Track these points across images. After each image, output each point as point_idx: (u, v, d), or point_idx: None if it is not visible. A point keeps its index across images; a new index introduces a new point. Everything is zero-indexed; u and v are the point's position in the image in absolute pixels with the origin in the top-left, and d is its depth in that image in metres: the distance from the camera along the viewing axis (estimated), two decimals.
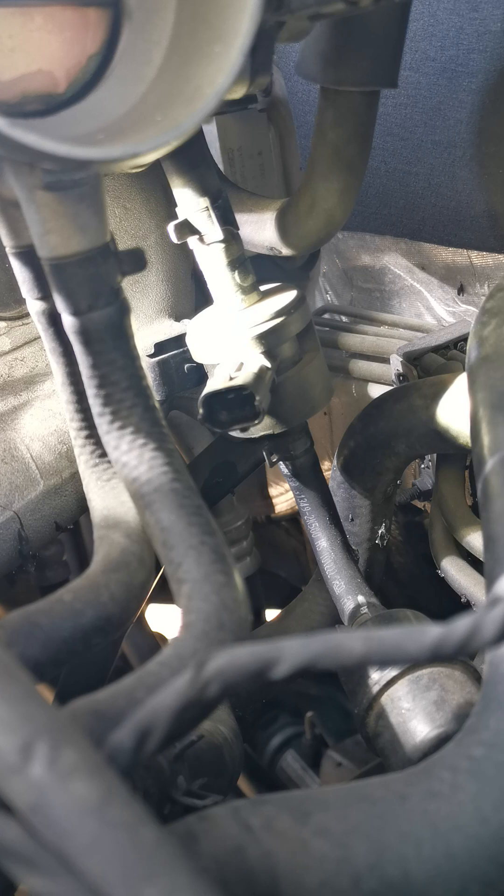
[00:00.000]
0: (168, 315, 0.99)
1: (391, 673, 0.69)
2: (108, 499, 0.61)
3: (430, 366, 0.91)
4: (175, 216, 0.76)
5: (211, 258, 0.77)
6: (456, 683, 0.68)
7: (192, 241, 0.77)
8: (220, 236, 0.75)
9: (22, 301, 0.67)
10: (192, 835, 0.40)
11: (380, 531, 0.91)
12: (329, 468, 0.93)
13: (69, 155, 0.47)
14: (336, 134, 0.80)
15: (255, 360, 0.73)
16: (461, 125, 1.00)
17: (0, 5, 0.52)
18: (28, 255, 0.60)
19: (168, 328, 0.96)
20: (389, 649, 0.38)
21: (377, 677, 0.70)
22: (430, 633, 0.38)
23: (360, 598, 0.80)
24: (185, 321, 0.97)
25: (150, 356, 0.89)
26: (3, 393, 0.86)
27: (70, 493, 0.83)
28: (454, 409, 0.77)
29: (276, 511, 1.41)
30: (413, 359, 0.92)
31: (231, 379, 0.70)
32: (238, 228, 0.77)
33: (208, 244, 0.76)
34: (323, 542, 0.84)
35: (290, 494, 1.20)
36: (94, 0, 0.56)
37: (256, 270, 0.79)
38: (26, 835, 0.33)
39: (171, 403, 0.98)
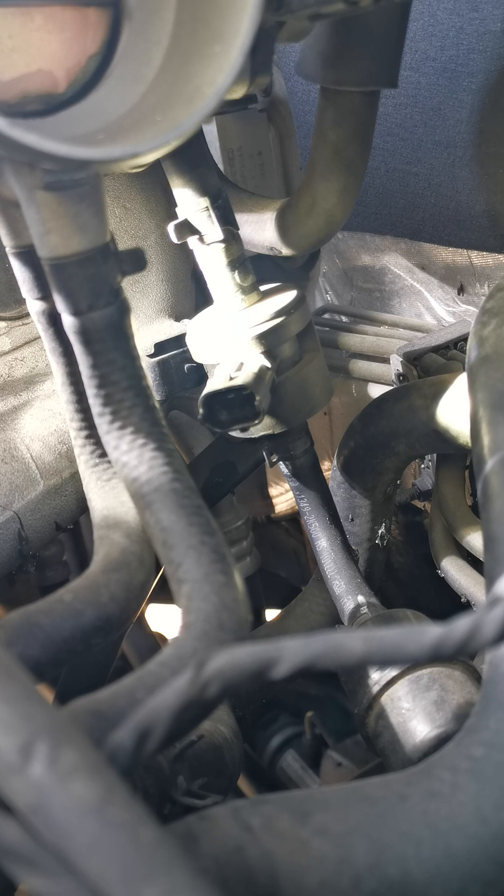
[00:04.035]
0: (168, 315, 0.99)
1: (391, 673, 0.69)
2: (108, 499, 0.61)
3: (430, 366, 0.91)
4: (175, 216, 0.76)
5: (211, 258, 0.77)
6: (456, 683, 0.68)
7: (192, 241, 0.76)
8: (220, 236, 0.75)
9: (22, 301, 0.67)
10: (192, 835, 0.40)
11: (380, 531, 0.91)
12: (329, 468, 0.93)
13: (69, 155, 0.47)
14: (336, 134, 0.80)
15: (255, 360, 0.73)
16: (461, 125, 1.00)
17: (0, 5, 0.52)
18: (28, 255, 0.60)
19: (168, 328, 0.96)
20: (389, 649, 0.38)
21: (377, 677, 0.70)
22: (430, 633, 0.38)
23: (360, 598, 0.80)
24: (185, 321, 0.97)
25: (150, 356, 0.89)
26: (3, 393, 0.86)
27: (70, 493, 0.83)
28: (454, 409, 0.77)
29: (276, 511, 1.41)
30: (413, 359, 0.92)
31: (231, 379, 0.70)
32: (238, 228, 0.77)
33: (208, 244, 0.76)
34: (323, 542, 0.84)
35: (290, 494, 1.20)
36: (94, 0, 0.56)
37: (256, 270, 0.79)
38: (26, 835, 0.33)
39: (171, 403, 0.98)
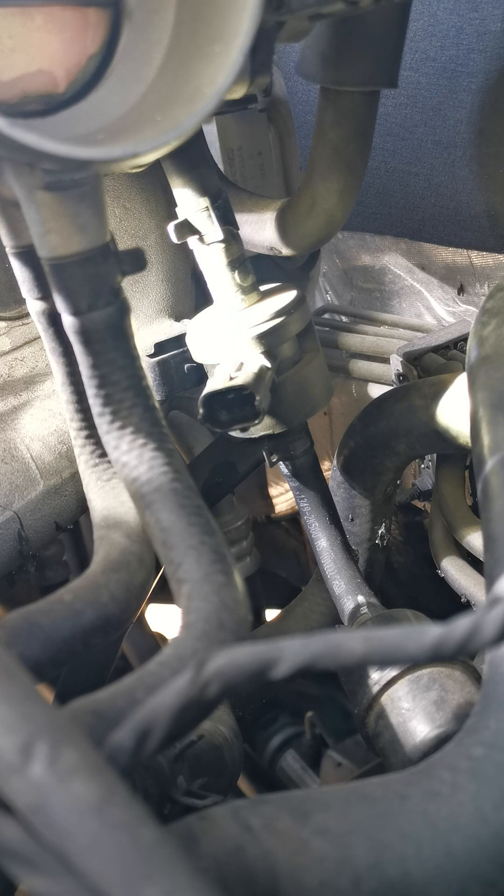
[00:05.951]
0: (168, 315, 0.99)
1: (391, 673, 0.69)
2: (108, 499, 0.61)
3: (430, 366, 0.91)
4: (175, 216, 0.76)
5: (211, 258, 0.77)
6: (456, 683, 0.68)
7: (192, 241, 0.77)
8: (220, 236, 0.75)
9: (22, 301, 0.67)
10: (192, 835, 0.40)
11: (380, 531, 0.91)
12: (329, 468, 0.93)
13: (69, 155, 0.47)
14: (336, 134, 0.80)
15: (255, 360, 0.73)
16: (461, 125, 1.00)
17: (0, 5, 0.52)
18: (28, 255, 0.60)
19: (168, 328, 0.96)
20: (389, 649, 0.38)
21: (377, 677, 0.70)
22: (430, 633, 0.38)
23: (360, 598, 0.80)
24: (185, 321, 0.97)
25: (150, 356, 0.89)
26: (3, 393, 0.86)
27: (70, 493, 0.83)
28: (454, 409, 0.77)
29: (276, 511, 1.41)
30: (413, 359, 0.92)
31: (231, 379, 0.70)
32: (238, 228, 0.77)
33: (208, 244, 0.76)
34: (323, 542, 0.84)
35: (290, 494, 1.20)
36: (94, 0, 0.56)
37: (256, 270, 0.79)
38: (26, 835, 0.33)
39: (171, 403, 0.98)
